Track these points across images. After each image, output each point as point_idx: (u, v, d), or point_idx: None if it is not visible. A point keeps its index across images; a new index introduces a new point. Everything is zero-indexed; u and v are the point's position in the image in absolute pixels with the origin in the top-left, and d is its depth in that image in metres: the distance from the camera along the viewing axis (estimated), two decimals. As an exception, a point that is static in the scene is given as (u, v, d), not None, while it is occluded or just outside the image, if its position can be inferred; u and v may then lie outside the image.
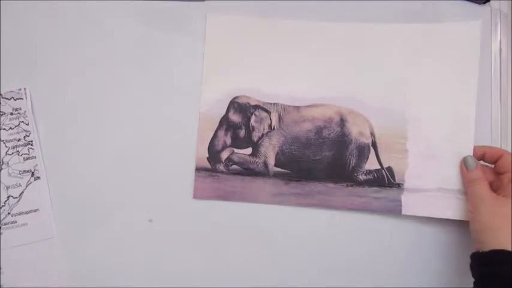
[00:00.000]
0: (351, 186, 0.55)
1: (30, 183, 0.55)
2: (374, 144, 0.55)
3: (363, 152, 0.55)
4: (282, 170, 0.56)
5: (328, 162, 0.55)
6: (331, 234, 0.55)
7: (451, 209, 0.53)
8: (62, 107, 0.57)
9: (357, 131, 0.55)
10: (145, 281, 0.55)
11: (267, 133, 0.56)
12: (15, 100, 0.56)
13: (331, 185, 0.55)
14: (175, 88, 0.56)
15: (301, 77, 0.56)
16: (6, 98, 0.56)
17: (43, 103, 0.57)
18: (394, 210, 0.54)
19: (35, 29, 0.58)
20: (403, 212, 0.54)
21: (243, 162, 0.56)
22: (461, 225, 0.53)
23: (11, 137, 0.56)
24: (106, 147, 0.56)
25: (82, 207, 0.56)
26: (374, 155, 0.55)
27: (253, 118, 0.56)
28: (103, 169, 0.56)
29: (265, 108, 0.56)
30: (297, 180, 0.55)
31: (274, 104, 0.56)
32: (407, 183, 0.54)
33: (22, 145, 0.56)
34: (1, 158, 0.55)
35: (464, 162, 0.52)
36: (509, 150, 0.54)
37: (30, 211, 0.55)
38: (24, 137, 0.56)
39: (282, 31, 0.56)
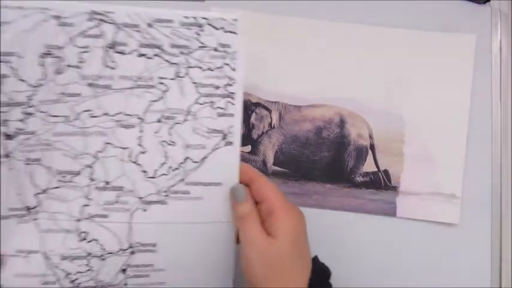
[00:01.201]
0: (348, 187, 0.55)
1: (218, 147, 0.42)
2: (372, 147, 0.55)
3: (361, 154, 0.56)
4: (281, 169, 0.56)
5: (327, 162, 0.55)
6: (329, 235, 0.55)
7: (445, 212, 0.54)
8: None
9: (356, 133, 0.56)
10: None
11: (266, 131, 0.56)
12: (225, 32, 0.40)
13: (328, 185, 0.55)
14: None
15: (303, 76, 0.56)
16: (213, 26, 0.40)
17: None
18: (389, 213, 0.55)
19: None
20: (398, 215, 0.55)
21: (242, 160, 0.57)
22: (455, 228, 0.54)
23: (207, 81, 0.41)
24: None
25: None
26: (372, 157, 0.56)
27: (253, 116, 0.56)
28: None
29: (266, 107, 0.56)
30: (296, 180, 0.55)
31: (275, 102, 0.56)
32: (403, 186, 0.55)
33: (219, 95, 0.41)
34: (188, 105, 0.41)
35: (231, 193, 0.42)
36: (509, 151, 0.55)
37: (211, 184, 0.42)
38: (225, 85, 0.41)
39: (284, 29, 0.56)
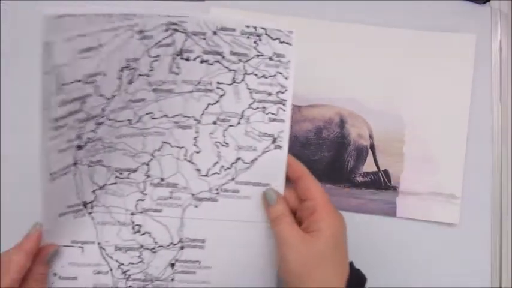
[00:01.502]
0: (348, 187, 0.55)
1: (268, 150, 0.44)
2: (372, 147, 0.55)
3: (361, 154, 0.56)
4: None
5: (327, 162, 0.55)
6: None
7: (444, 212, 0.54)
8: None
9: (356, 133, 0.56)
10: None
11: (267, 131, 0.57)
12: (280, 43, 0.43)
13: (328, 185, 0.55)
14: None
15: (303, 76, 0.56)
16: (270, 37, 0.43)
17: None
18: (389, 213, 0.55)
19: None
20: (398, 215, 0.55)
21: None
22: (455, 228, 0.54)
23: (261, 88, 0.44)
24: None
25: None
26: (372, 157, 0.55)
27: (253, 115, 0.57)
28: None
29: (266, 106, 0.56)
30: (296, 180, 0.56)
31: (275, 102, 0.56)
32: (403, 186, 0.55)
33: (272, 102, 0.44)
34: (242, 110, 0.44)
35: (264, 197, 0.44)
36: (510, 151, 0.55)
37: (259, 184, 0.45)
38: (277, 92, 0.44)
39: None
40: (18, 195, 0.55)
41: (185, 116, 0.43)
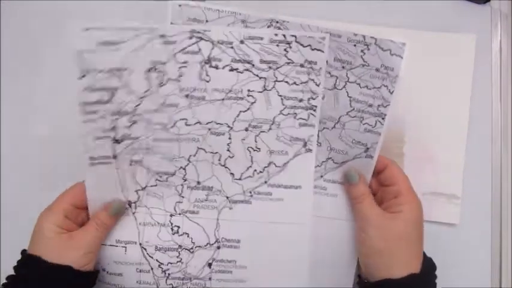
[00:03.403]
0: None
1: (299, 154, 0.46)
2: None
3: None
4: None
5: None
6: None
7: (445, 212, 0.54)
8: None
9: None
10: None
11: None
12: (312, 50, 0.44)
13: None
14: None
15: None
16: (301, 44, 0.44)
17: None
18: (390, 213, 0.55)
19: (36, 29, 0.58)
20: (399, 215, 0.55)
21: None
22: (455, 228, 0.54)
23: (292, 94, 0.45)
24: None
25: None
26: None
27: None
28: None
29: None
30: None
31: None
32: (403, 187, 0.55)
33: (302, 108, 0.45)
34: (273, 116, 0.45)
35: (346, 176, 0.46)
36: (510, 151, 0.55)
37: (291, 186, 0.47)
38: (308, 98, 0.45)
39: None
40: (18, 195, 0.55)
41: (218, 123, 0.45)
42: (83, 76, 0.42)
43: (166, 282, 0.47)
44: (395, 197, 0.45)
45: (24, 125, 0.57)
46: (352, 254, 0.48)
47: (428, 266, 0.44)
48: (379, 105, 0.45)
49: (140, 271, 0.47)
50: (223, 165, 0.46)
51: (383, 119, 0.45)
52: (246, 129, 0.45)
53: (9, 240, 0.54)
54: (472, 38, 0.56)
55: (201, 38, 0.43)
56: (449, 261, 0.54)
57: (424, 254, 0.45)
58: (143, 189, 0.46)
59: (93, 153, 0.44)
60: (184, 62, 0.43)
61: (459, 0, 0.57)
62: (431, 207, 0.54)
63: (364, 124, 0.45)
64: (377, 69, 0.44)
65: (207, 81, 0.44)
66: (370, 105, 0.44)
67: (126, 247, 0.47)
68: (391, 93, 0.45)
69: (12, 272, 0.43)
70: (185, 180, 0.46)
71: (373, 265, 0.43)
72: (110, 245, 0.46)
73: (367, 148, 0.46)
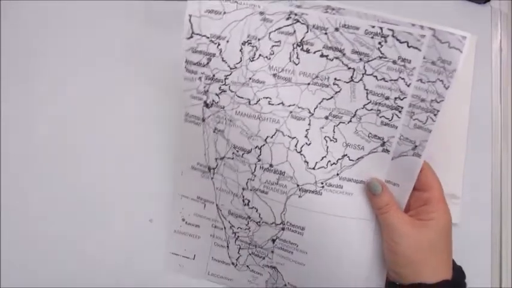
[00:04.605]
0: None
1: (375, 152, 0.45)
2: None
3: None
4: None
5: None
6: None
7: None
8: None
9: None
10: (145, 280, 0.54)
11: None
12: (408, 47, 0.41)
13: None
14: (177, 87, 0.57)
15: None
16: (397, 39, 0.42)
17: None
18: (390, 213, 0.55)
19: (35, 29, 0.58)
20: (398, 215, 0.54)
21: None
22: (455, 228, 0.54)
23: (378, 90, 0.43)
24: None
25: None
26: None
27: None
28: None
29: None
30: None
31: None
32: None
33: (387, 106, 0.43)
34: (356, 109, 0.44)
35: (369, 187, 0.45)
36: (510, 151, 0.55)
37: (362, 182, 0.45)
38: (395, 98, 0.43)
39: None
40: (18, 195, 0.55)
41: (300, 107, 0.45)
42: (190, 37, 0.44)
43: (235, 242, 0.50)
44: (425, 204, 0.44)
45: (24, 125, 0.57)
46: (365, 253, 0.47)
47: (459, 273, 0.45)
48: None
49: (215, 227, 0.51)
50: (298, 152, 0.45)
51: (435, 115, 0.43)
52: (326, 118, 0.45)
53: (9, 240, 0.54)
54: (472, 38, 0.56)
55: (298, 21, 0.43)
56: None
57: (454, 261, 0.45)
58: (221, 159, 0.47)
59: (188, 109, 0.47)
60: (278, 41, 0.44)
61: (459, 0, 0.57)
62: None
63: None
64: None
65: (296, 64, 0.44)
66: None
67: (205, 204, 0.50)
68: (447, 88, 0.42)
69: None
70: (259, 160, 0.46)
71: (404, 273, 0.43)
72: (192, 199, 0.51)
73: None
